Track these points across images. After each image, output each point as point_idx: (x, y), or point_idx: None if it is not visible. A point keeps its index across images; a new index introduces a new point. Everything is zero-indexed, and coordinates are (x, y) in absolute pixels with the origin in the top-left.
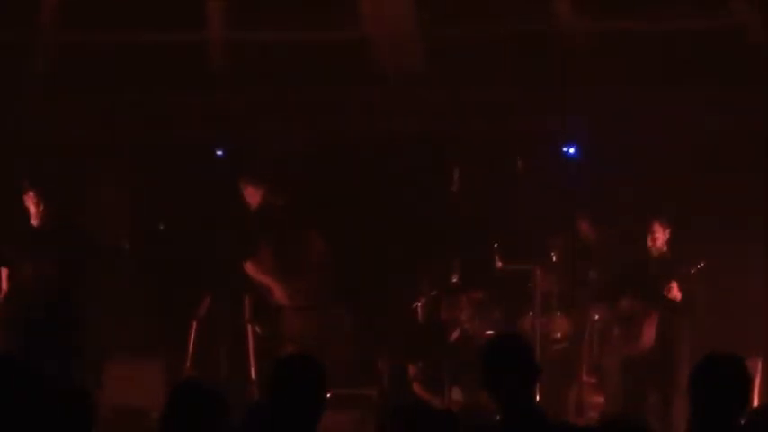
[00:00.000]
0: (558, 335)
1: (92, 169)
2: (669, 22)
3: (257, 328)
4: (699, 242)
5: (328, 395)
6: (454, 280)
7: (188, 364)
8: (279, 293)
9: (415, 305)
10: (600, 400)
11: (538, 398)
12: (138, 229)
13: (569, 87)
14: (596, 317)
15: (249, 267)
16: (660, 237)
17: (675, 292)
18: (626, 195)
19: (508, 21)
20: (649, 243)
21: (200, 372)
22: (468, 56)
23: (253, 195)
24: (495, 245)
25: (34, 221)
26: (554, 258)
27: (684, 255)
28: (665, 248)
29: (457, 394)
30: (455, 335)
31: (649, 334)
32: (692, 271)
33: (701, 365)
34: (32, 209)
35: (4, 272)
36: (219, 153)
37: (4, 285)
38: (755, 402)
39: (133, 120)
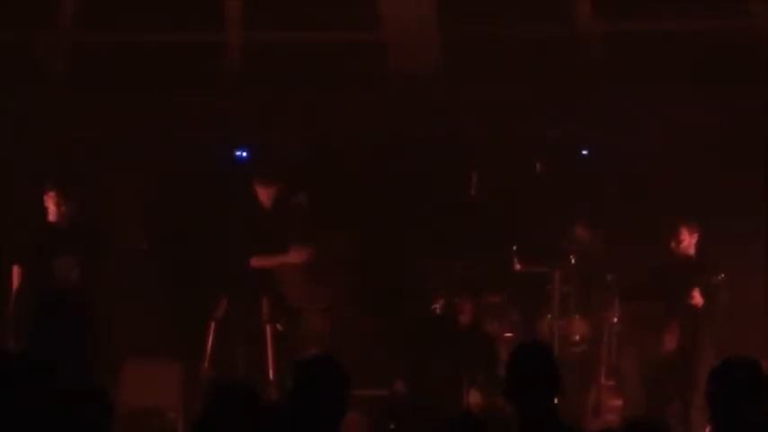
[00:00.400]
0: (577, 337)
1: (108, 169)
2: (688, 23)
3: (278, 326)
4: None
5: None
6: (473, 282)
7: (206, 365)
8: (297, 256)
9: (433, 307)
10: (618, 403)
11: (556, 400)
12: (155, 230)
13: (589, 89)
14: (615, 319)
15: (256, 261)
16: (686, 240)
17: (698, 299)
18: (636, 197)
19: (527, 23)
20: (673, 245)
21: (218, 373)
22: (487, 58)
23: (263, 194)
24: (514, 247)
25: (52, 220)
26: (572, 261)
27: (708, 259)
28: (691, 252)
29: (475, 396)
30: (464, 318)
31: (671, 338)
32: (713, 282)
33: (717, 370)
34: (52, 208)
35: (17, 270)
36: (241, 154)
37: (16, 283)
38: None
39: (149, 120)
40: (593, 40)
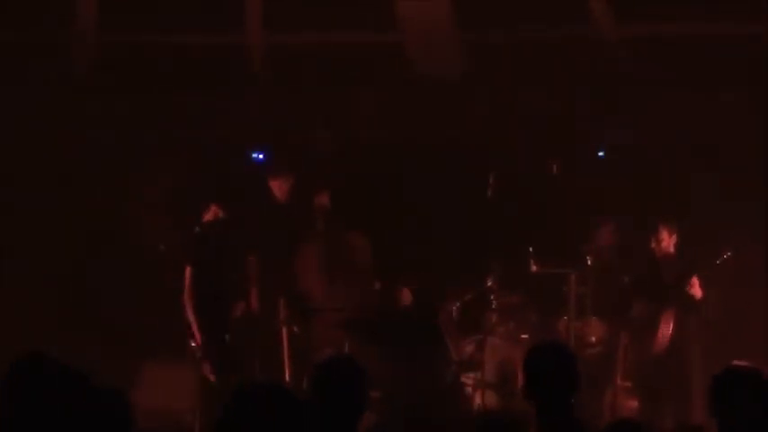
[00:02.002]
0: (593, 339)
1: (135, 169)
2: (707, 26)
3: (295, 328)
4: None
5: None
6: (489, 284)
7: None
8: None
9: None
10: (635, 404)
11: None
12: (172, 232)
13: (607, 91)
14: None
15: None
16: (666, 240)
17: (696, 289)
18: (652, 197)
19: (546, 24)
20: (653, 245)
21: (236, 374)
22: (505, 59)
23: (277, 188)
24: (531, 249)
25: (205, 229)
26: (589, 263)
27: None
28: (671, 251)
29: (491, 398)
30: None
31: (664, 337)
32: (718, 261)
33: (721, 380)
34: (210, 217)
35: (189, 270)
36: (258, 156)
37: (188, 282)
38: None
39: (169, 121)
40: (613, 41)
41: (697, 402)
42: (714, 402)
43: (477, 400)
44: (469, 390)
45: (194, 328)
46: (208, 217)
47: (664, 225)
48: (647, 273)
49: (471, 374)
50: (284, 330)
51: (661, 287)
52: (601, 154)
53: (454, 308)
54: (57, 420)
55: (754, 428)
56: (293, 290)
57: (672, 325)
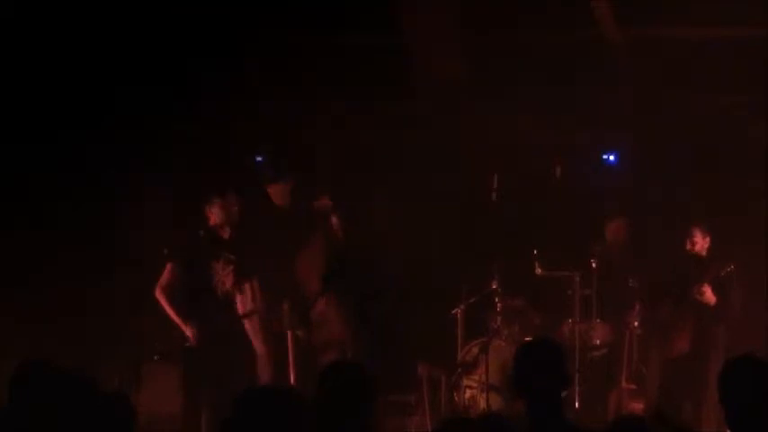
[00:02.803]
0: (598, 341)
1: (135, 169)
2: (710, 30)
3: (299, 333)
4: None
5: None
6: (493, 286)
7: None
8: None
9: (454, 311)
10: (639, 406)
11: (577, 404)
12: (178, 233)
13: (611, 93)
14: (635, 323)
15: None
16: (699, 242)
17: (709, 296)
18: (657, 198)
19: (547, 26)
20: (688, 247)
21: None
22: (510, 63)
23: (275, 192)
24: (535, 252)
25: (213, 225)
26: (594, 265)
27: (716, 255)
28: (703, 254)
29: (495, 401)
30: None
31: (683, 338)
32: (722, 273)
33: (726, 372)
34: (216, 215)
35: (170, 266)
36: (260, 159)
37: (165, 278)
38: None
39: (175, 125)
40: (614, 42)
41: (710, 407)
42: (722, 391)
43: (481, 402)
44: (474, 392)
45: (174, 317)
46: (215, 220)
47: (697, 227)
48: (669, 274)
49: (475, 376)
50: (289, 334)
51: (684, 289)
52: (602, 155)
53: (458, 311)
54: (60, 423)
55: (760, 418)
56: (297, 294)
57: (691, 327)
